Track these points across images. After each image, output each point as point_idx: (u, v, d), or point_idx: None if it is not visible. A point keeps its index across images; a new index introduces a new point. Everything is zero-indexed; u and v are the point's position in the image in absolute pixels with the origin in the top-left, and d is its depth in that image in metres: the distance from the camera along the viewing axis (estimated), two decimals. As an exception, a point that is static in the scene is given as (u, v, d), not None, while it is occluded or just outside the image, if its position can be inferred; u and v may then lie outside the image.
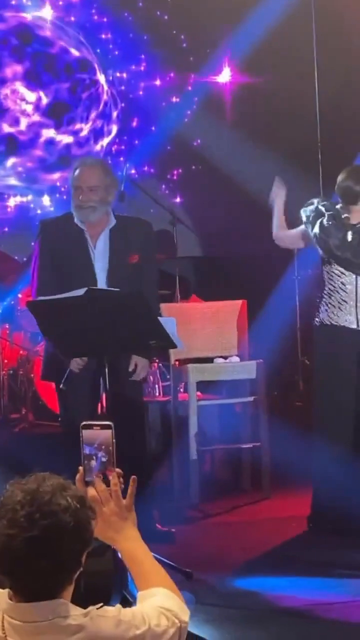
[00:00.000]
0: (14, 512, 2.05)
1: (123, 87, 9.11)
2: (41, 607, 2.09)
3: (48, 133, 8.93)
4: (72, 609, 2.12)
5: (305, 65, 8.59)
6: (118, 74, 9.11)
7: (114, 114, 9.10)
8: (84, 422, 2.46)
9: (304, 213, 5.45)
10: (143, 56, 9.07)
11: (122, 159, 7.39)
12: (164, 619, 2.20)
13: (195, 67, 9.10)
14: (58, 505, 2.06)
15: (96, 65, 9.02)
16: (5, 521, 2.05)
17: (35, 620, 2.08)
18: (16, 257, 8.48)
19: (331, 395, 5.43)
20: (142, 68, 9.11)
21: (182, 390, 6.65)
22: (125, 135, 9.18)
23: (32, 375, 7.50)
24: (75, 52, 8.96)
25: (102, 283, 5.18)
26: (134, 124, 9.16)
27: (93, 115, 9.02)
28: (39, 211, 8.90)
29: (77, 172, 5.22)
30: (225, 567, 4.89)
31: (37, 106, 8.90)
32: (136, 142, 9.12)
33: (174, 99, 9.13)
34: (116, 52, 9.09)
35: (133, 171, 7.54)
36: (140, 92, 9.15)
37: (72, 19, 8.92)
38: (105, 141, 9.10)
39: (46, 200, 9.01)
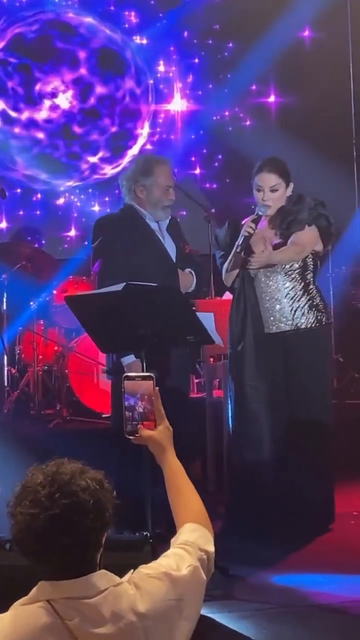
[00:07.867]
0: (36, 492, 2.14)
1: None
2: (88, 579, 2.15)
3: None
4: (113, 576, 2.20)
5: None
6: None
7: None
8: (126, 374, 2.61)
9: None
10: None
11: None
12: (187, 557, 2.30)
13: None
14: (77, 485, 2.16)
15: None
16: (27, 502, 2.14)
17: (88, 596, 2.14)
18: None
19: None
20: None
21: (216, 387, 6.65)
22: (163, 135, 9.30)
23: (67, 371, 7.52)
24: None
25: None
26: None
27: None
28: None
29: (159, 171, 5.22)
30: (262, 563, 4.88)
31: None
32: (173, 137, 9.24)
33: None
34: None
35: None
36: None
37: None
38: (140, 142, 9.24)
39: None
